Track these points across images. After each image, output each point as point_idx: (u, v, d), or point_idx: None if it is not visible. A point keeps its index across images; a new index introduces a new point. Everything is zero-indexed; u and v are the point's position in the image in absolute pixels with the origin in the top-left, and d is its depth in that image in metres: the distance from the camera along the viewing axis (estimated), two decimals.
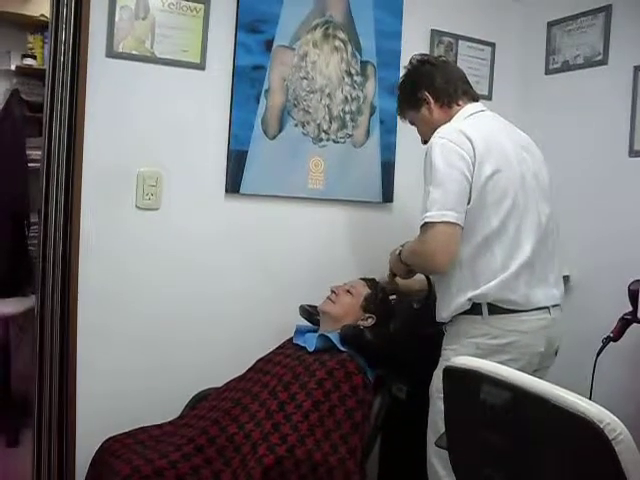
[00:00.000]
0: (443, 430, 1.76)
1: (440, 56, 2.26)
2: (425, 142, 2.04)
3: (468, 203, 1.81)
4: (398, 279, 2.29)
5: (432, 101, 2.04)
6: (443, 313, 1.94)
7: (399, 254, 2.14)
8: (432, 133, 1.92)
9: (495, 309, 1.83)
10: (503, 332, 1.83)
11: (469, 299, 1.85)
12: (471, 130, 1.86)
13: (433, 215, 1.78)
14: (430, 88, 2.04)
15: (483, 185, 1.81)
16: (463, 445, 1.38)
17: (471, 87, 2.11)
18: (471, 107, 2.03)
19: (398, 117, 2.26)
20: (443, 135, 1.87)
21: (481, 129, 1.91)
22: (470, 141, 1.82)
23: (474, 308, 1.85)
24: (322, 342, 2.17)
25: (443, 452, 1.73)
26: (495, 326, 1.84)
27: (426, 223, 1.80)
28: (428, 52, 2.79)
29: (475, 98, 2.09)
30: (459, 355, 1.78)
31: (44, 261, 2.18)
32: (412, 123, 2.18)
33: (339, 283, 2.33)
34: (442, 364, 1.91)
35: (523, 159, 1.93)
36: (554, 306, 1.93)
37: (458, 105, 2.03)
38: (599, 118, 2.66)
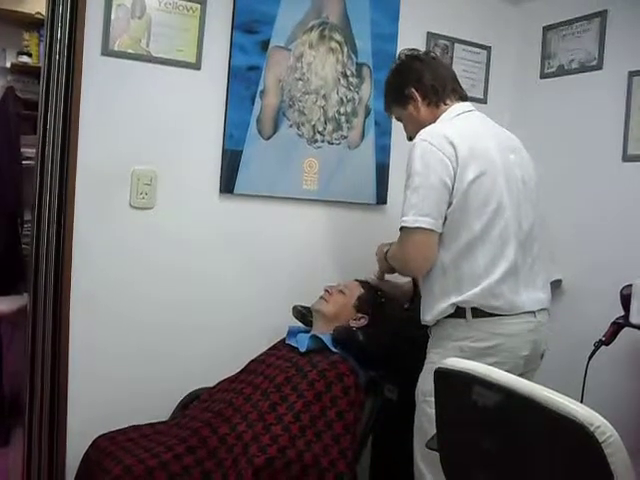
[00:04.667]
0: (429, 433, 1.75)
1: (429, 52, 2.23)
2: (410, 139, 2.00)
3: (449, 207, 1.79)
4: (387, 276, 2.31)
5: (419, 99, 1.99)
6: (427, 316, 1.92)
7: (386, 252, 2.15)
8: (417, 131, 1.88)
9: (479, 313, 1.82)
10: (487, 335, 1.82)
11: (452, 304, 1.83)
12: (455, 133, 1.82)
13: (409, 220, 1.78)
14: (418, 85, 1.99)
15: (466, 190, 1.78)
16: (454, 447, 1.38)
17: (460, 86, 2.06)
18: (459, 107, 1.98)
19: (385, 112, 2.21)
20: (425, 138, 1.82)
21: (465, 131, 1.86)
22: (453, 146, 1.78)
23: (458, 312, 1.83)
24: (314, 343, 2.17)
25: (430, 455, 1.73)
26: (479, 329, 1.82)
27: (402, 228, 1.81)
28: None
29: (463, 97, 2.04)
30: (443, 358, 1.80)
31: (37, 259, 2.17)
32: (398, 119, 2.14)
33: (332, 284, 2.33)
34: (427, 367, 1.91)
35: (510, 161, 1.90)
36: (540, 310, 1.91)
37: (445, 104, 1.99)
38: (593, 123, 2.67)
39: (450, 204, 1.79)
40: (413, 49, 2.12)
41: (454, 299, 1.82)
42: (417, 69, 2.01)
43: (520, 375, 1.74)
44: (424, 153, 1.79)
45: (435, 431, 1.66)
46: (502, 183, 1.83)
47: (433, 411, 1.73)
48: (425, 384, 1.88)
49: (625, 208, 2.51)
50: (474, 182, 1.78)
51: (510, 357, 1.82)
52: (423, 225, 1.77)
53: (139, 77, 2.26)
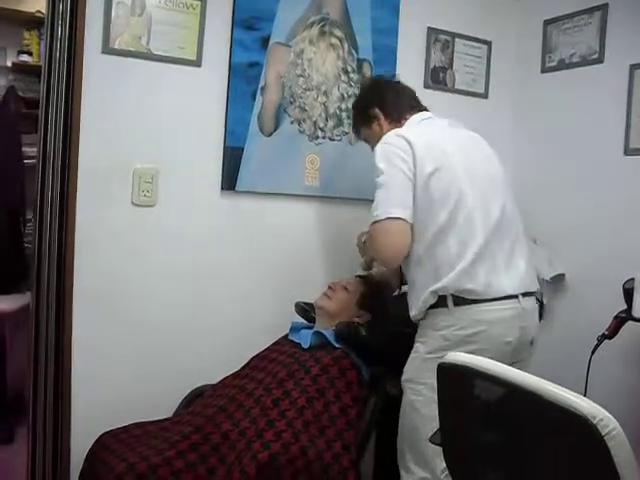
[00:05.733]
0: (409, 417, 1.92)
1: (392, 77, 2.41)
2: None
3: (414, 200, 1.88)
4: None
5: (382, 117, 2.14)
6: (413, 311, 1.97)
7: (364, 241, 2.25)
8: None
9: (460, 300, 1.86)
10: (469, 323, 1.85)
11: (432, 292, 1.87)
12: (409, 133, 1.96)
13: (379, 214, 1.87)
14: (380, 105, 2.14)
15: (426, 182, 1.87)
16: (457, 441, 1.38)
17: (419, 102, 2.19)
18: (417, 116, 2.11)
19: (354, 135, 2.36)
20: (383, 141, 1.97)
21: (420, 132, 1.99)
22: (408, 142, 1.90)
23: (440, 301, 1.88)
24: (317, 339, 2.18)
25: (410, 438, 1.91)
26: (461, 317, 1.86)
27: (374, 223, 1.89)
28: (425, 50, 2.82)
29: (422, 110, 2.16)
30: (428, 347, 1.89)
31: (39, 258, 2.18)
32: (366, 140, 2.26)
33: (336, 280, 2.33)
34: (412, 356, 1.96)
35: (470, 157, 1.99)
36: (526, 295, 1.93)
37: (405, 119, 2.11)
38: (595, 116, 2.66)
39: (414, 197, 1.88)
40: (378, 75, 2.47)
41: (432, 287, 1.87)
42: (379, 91, 2.21)
43: (512, 364, 1.77)
44: (383, 153, 1.93)
45: (417, 416, 1.87)
46: (462, 175, 1.92)
47: (415, 398, 1.89)
48: (408, 372, 1.95)
49: (627, 202, 2.51)
50: (433, 175, 1.88)
51: (493, 344, 1.84)
52: (392, 215, 1.86)
53: (140, 75, 2.27)
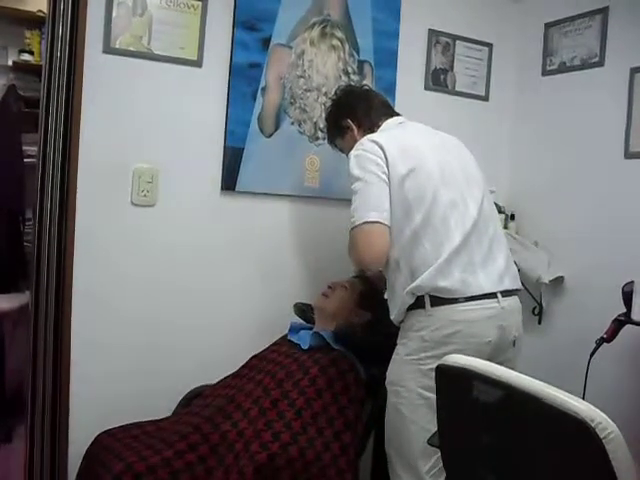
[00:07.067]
0: (392, 421, 1.91)
1: (363, 85, 2.41)
2: None
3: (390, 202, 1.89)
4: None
5: (355, 128, 2.15)
6: (393, 314, 1.97)
7: None
8: None
9: (437, 300, 1.84)
10: (446, 323, 1.83)
11: (409, 292, 1.86)
12: (382, 137, 1.96)
13: (356, 220, 1.88)
14: (352, 116, 2.16)
15: (400, 184, 1.87)
16: (455, 443, 1.38)
17: (391, 109, 2.21)
18: (390, 121, 2.11)
19: (329, 145, 2.34)
20: (356, 147, 1.98)
21: (393, 135, 2.00)
22: (380, 147, 1.91)
23: (418, 302, 1.87)
24: (316, 340, 2.18)
25: (395, 441, 1.89)
26: (438, 317, 1.84)
27: (352, 229, 1.89)
28: (425, 52, 2.82)
29: (395, 116, 2.16)
30: (407, 349, 1.88)
31: (39, 257, 2.18)
32: (341, 150, 2.26)
33: (335, 279, 2.33)
34: (393, 358, 1.95)
35: (445, 158, 1.98)
36: (505, 295, 1.90)
37: (378, 127, 2.11)
38: (595, 120, 2.66)
39: (390, 200, 1.88)
40: (347, 85, 2.47)
41: (409, 287, 1.86)
42: (351, 102, 2.21)
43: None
44: (358, 160, 1.93)
45: (400, 418, 1.86)
46: (436, 176, 1.92)
47: (396, 400, 1.88)
48: (390, 375, 1.94)
49: (627, 205, 2.51)
50: (408, 176, 1.88)
51: (471, 343, 1.82)
52: (369, 219, 1.86)
53: (140, 75, 2.27)
